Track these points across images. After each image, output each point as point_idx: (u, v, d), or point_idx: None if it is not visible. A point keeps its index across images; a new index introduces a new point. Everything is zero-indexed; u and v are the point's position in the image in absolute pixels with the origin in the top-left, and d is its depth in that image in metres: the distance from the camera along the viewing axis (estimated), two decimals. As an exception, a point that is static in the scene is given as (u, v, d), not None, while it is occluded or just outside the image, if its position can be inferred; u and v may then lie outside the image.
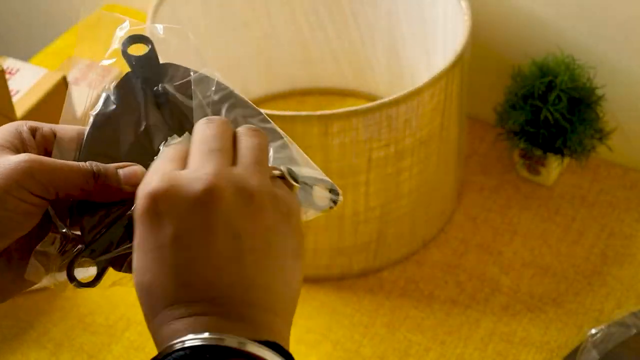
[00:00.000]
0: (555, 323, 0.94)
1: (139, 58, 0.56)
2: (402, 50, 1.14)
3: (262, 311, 0.46)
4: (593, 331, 0.88)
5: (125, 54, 0.57)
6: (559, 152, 1.04)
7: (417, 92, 0.86)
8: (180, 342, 0.44)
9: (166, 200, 0.46)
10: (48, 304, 0.98)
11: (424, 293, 0.98)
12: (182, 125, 0.54)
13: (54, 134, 0.56)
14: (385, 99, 0.85)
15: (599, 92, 1.03)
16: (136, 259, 0.47)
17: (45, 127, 0.56)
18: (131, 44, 0.57)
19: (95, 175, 0.53)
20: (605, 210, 1.06)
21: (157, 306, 0.46)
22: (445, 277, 0.99)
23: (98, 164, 0.53)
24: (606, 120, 1.05)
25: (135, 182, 0.53)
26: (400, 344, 0.93)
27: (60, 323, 0.96)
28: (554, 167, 1.07)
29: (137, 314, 0.97)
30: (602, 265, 1.00)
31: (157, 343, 0.46)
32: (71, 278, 0.55)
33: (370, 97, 1.18)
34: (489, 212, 1.06)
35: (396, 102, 0.85)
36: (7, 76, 1.00)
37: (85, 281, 0.54)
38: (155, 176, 0.47)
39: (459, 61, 0.90)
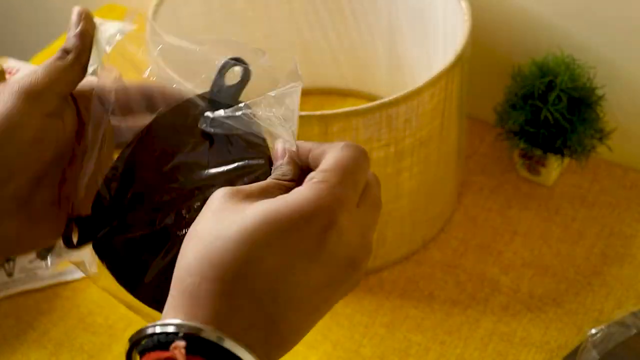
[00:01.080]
0: (555, 323, 0.94)
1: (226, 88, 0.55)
2: (402, 50, 1.14)
3: (279, 347, 0.47)
4: (593, 331, 0.88)
5: (219, 77, 0.56)
6: (559, 152, 1.04)
7: (417, 92, 0.86)
8: (158, 325, 0.44)
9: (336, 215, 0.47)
10: (48, 303, 0.98)
11: (424, 293, 0.98)
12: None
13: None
14: (385, 99, 0.85)
15: (599, 92, 1.03)
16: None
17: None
18: (228, 69, 0.56)
19: (63, 51, 0.54)
20: (605, 210, 1.06)
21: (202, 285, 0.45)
22: (445, 277, 0.99)
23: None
24: (606, 120, 1.05)
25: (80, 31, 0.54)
26: (400, 344, 0.93)
27: (60, 323, 0.96)
28: (554, 167, 1.07)
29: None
30: (602, 265, 1.00)
31: (171, 305, 0.46)
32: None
33: (370, 97, 1.19)
34: (489, 212, 1.06)
35: (396, 102, 0.85)
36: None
37: None
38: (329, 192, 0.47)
39: (459, 61, 0.90)
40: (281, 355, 0.47)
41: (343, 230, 0.47)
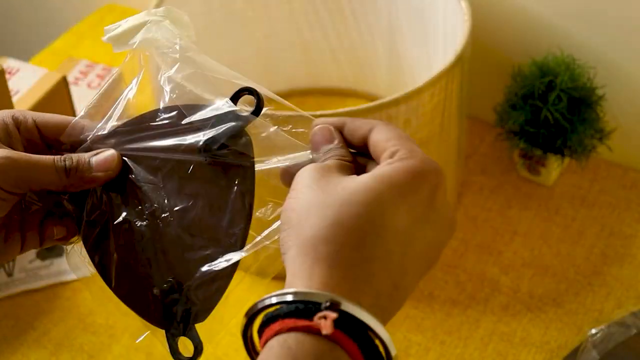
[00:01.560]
0: (555, 323, 0.94)
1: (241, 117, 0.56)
2: (402, 50, 1.14)
3: (393, 309, 0.47)
4: (593, 331, 0.88)
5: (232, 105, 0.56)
6: (559, 152, 1.04)
7: (417, 92, 0.86)
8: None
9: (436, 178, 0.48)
10: (48, 304, 0.98)
11: (423, 293, 0.98)
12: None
13: (37, 127, 0.57)
14: (385, 99, 0.85)
15: (599, 92, 1.03)
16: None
17: (29, 118, 0.57)
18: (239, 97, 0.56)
19: (67, 170, 0.54)
20: (605, 210, 1.06)
21: (318, 253, 0.44)
22: (445, 277, 0.99)
23: (72, 156, 0.54)
24: (606, 120, 1.05)
25: (106, 167, 0.54)
26: (400, 344, 0.93)
27: (60, 323, 0.96)
28: (554, 167, 1.07)
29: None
30: (602, 265, 1.00)
31: (290, 272, 0.45)
32: (175, 354, 0.54)
33: (370, 97, 1.18)
34: (489, 212, 1.06)
35: (396, 102, 0.85)
36: (7, 76, 1.00)
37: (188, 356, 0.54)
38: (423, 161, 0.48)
39: (459, 61, 0.90)
40: (391, 317, 0.48)
41: (445, 190, 0.48)
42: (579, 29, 1.06)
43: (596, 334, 0.88)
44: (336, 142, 0.52)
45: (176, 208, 0.54)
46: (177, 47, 0.57)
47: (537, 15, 1.08)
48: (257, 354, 0.46)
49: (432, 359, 0.91)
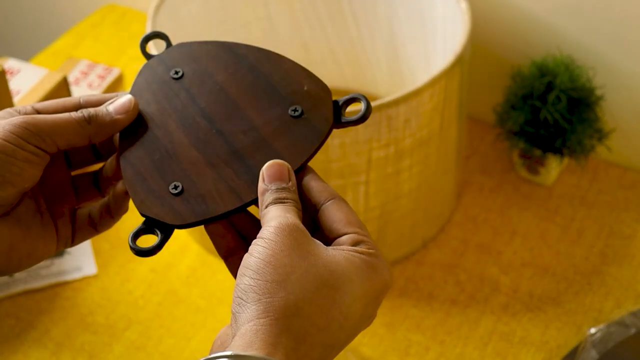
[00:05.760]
0: (555, 323, 0.94)
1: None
2: (402, 50, 1.14)
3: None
4: (592, 331, 0.88)
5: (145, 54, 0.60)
6: (559, 152, 1.04)
7: (417, 92, 0.86)
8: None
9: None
10: (49, 303, 0.98)
11: (423, 293, 0.98)
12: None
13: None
14: (385, 99, 0.85)
15: (598, 92, 1.04)
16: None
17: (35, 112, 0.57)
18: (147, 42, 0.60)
19: (87, 118, 0.55)
20: (605, 210, 1.07)
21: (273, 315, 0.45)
22: (445, 276, 0.99)
23: (89, 109, 0.56)
24: (605, 121, 1.06)
25: (125, 110, 0.56)
26: (400, 344, 0.93)
27: (61, 323, 0.96)
28: (554, 167, 1.07)
29: (137, 313, 0.98)
30: (602, 265, 1.00)
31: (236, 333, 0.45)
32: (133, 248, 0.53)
33: (370, 97, 1.19)
34: (488, 212, 1.07)
35: (396, 102, 0.85)
36: (8, 76, 1.01)
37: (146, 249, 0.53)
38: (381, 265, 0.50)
39: (459, 61, 0.90)
40: None
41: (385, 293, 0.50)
42: (578, 29, 1.06)
43: (595, 333, 0.88)
44: (291, 183, 0.52)
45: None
46: None
47: (537, 16, 1.08)
48: None
49: (432, 359, 0.92)
